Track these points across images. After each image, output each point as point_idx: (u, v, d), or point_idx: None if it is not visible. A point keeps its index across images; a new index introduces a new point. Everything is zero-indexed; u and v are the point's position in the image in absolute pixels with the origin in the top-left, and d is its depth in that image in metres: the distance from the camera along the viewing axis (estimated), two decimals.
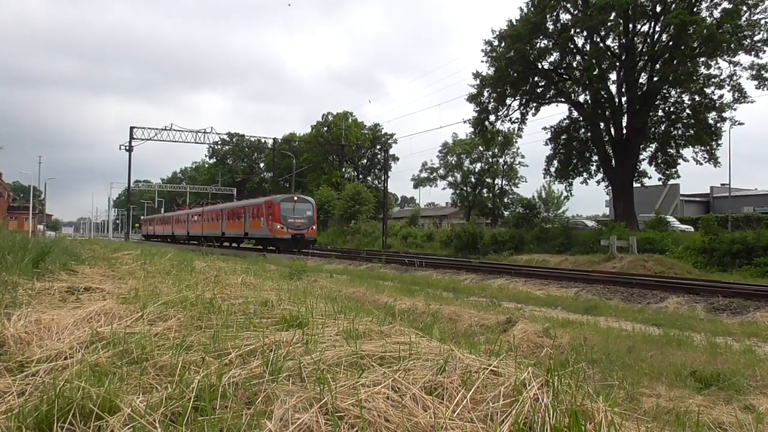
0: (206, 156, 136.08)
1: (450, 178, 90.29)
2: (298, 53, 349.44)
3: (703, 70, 39.76)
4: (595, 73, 42.26)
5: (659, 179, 44.78)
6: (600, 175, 46.05)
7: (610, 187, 45.68)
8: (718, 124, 40.45)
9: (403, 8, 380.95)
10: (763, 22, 37.03)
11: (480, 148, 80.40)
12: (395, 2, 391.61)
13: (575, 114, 46.87)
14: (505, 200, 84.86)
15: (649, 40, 41.20)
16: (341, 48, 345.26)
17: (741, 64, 38.39)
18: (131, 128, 55.30)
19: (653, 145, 44.01)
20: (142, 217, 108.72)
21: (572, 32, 43.19)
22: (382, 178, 77.93)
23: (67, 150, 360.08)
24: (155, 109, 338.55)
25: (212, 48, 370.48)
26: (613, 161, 43.40)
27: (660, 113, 43.15)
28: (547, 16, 43.77)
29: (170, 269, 11.08)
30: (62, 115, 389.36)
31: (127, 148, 55.46)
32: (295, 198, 45.03)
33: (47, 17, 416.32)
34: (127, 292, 6.86)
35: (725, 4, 37.92)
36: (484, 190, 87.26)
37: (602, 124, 43.83)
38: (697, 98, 40.52)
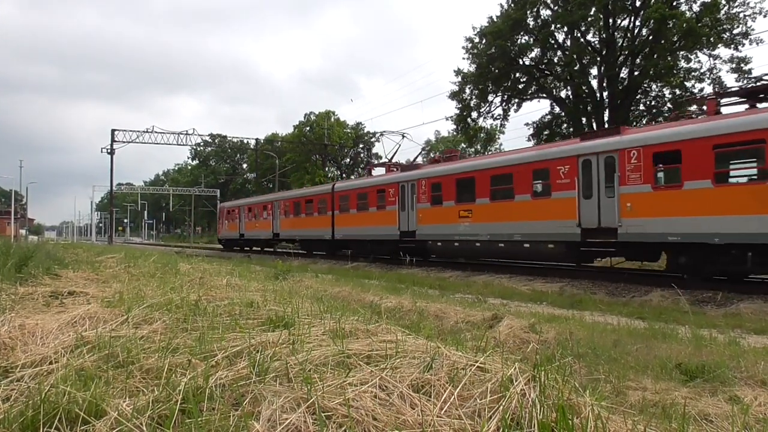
0: (189, 158, 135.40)
1: None
2: (271, 56, 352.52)
3: (683, 63, 40.14)
4: (576, 68, 42.49)
5: None
6: None
7: None
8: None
9: (371, 12, 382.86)
10: (741, 15, 37.42)
11: (463, 144, 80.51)
12: (362, 7, 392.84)
13: (557, 109, 47.17)
14: None
15: (629, 34, 41.48)
16: (313, 51, 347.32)
17: (721, 58, 38.89)
18: (112, 131, 55.12)
19: None
20: (222, 206, 60.27)
21: (553, 28, 43.45)
22: None
23: (47, 154, 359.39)
24: (133, 112, 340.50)
25: (185, 52, 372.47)
26: None
27: (641, 107, 43.49)
28: (528, 12, 43.97)
29: (154, 272, 11.03)
30: (41, 119, 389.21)
31: (109, 150, 55.14)
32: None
33: (19, 24, 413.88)
34: (111, 296, 6.82)
35: None
36: None
37: (584, 119, 44.08)
38: (677, 92, 40.81)
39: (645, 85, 41.80)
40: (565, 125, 47.01)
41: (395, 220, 29.66)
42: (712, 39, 37.69)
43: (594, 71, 44.11)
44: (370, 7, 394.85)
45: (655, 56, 38.98)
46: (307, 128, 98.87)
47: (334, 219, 35.17)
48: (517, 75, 46.86)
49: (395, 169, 33.19)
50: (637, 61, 40.87)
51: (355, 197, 33.57)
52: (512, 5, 44.62)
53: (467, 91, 47.85)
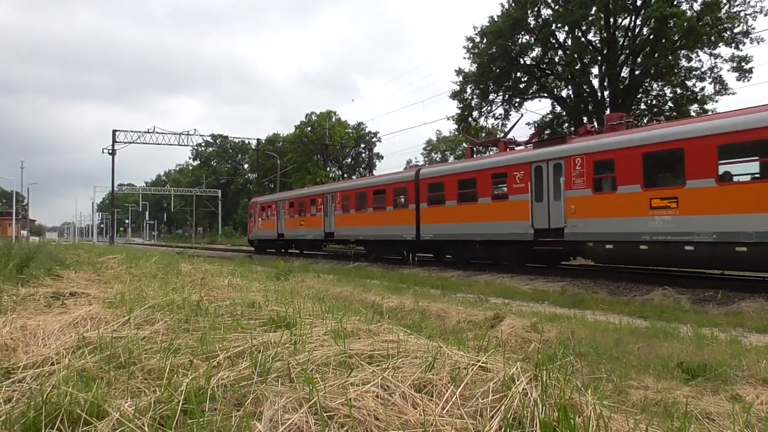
0: (190, 158, 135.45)
1: None
2: (270, 57, 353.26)
3: (684, 62, 40.08)
4: (577, 67, 42.49)
5: None
6: None
7: None
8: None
9: (369, 13, 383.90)
10: (742, 14, 37.38)
11: (464, 144, 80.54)
12: (360, 8, 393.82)
13: (558, 109, 47.13)
14: None
15: (630, 33, 41.48)
16: (312, 51, 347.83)
17: (722, 57, 38.82)
18: (114, 131, 55.17)
19: None
20: (255, 202, 50.90)
21: (554, 27, 43.44)
22: None
23: (48, 155, 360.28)
24: (133, 113, 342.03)
25: (185, 52, 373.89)
26: None
27: (642, 106, 43.43)
28: (529, 11, 43.95)
29: (156, 272, 11.03)
30: (42, 120, 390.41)
31: (110, 151, 55.18)
32: None
33: (19, 25, 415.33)
34: (113, 297, 6.82)
35: None
36: None
37: (585, 119, 44.02)
38: (678, 91, 40.79)
39: (646, 84, 41.78)
40: (566, 124, 46.99)
41: (526, 213, 21.75)
42: (712, 38, 37.69)
43: (595, 70, 44.15)
44: (367, 7, 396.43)
45: (656, 55, 38.96)
46: (309, 128, 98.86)
47: (420, 214, 27.97)
48: (518, 74, 46.89)
49: (512, 148, 26.57)
50: (638, 60, 40.88)
51: (454, 185, 25.94)
52: (513, 5, 44.61)
53: (468, 90, 47.90)
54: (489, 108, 48.33)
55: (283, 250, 43.97)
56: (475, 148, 32.46)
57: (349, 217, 34.20)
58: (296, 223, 40.56)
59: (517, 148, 26.28)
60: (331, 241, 37.66)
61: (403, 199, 29.84)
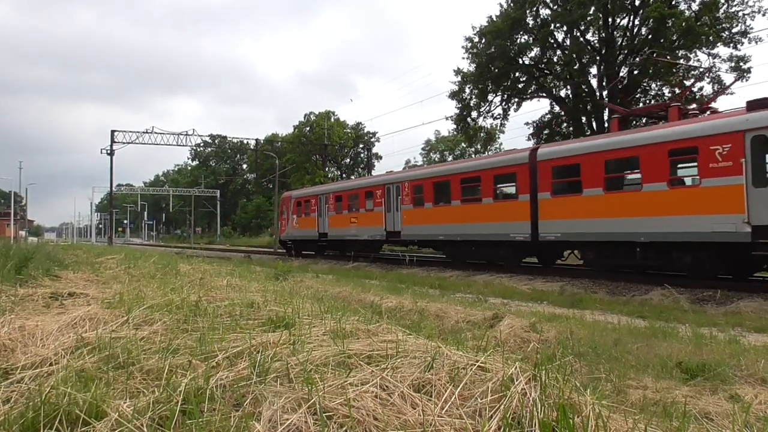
0: (188, 158, 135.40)
1: None
2: (269, 58, 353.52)
3: (682, 62, 40.05)
4: (575, 67, 42.49)
5: None
6: None
7: None
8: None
9: (367, 13, 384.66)
10: (740, 14, 37.43)
11: (463, 144, 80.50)
12: (358, 8, 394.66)
13: (557, 108, 47.15)
14: None
15: (628, 33, 41.51)
16: (311, 52, 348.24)
17: (720, 56, 38.85)
18: (112, 132, 55.05)
19: None
20: (288, 196, 44.98)
21: (552, 27, 43.44)
22: None
23: (47, 155, 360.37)
24: (132, 113, 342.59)
25: (184, 53, 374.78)
26: None
27: (641, 106, 43.40)
28: (527, 11, 43.94)
29: (155, 273, 11.02)
30: (40, 120, 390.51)
31: (109, 151, 55.14)
32: None
33: (17, 26, 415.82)
34: (111, 297, 6.82)
35: None
36: None
37: (584, 119, 44.06)
38: (677, 91, 40.79)
39: (644, 84, 41.81)
40: (565, 124, 47.02)
41: (741, 205, 15.56)
42: (711, 38, 37.69)
43: (593, 70, 44.13)
44: (365, 8, 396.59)
45: (655, 55, 38.98)
46: (307, 128, 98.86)
47: (539, 207, 21.61)
48: (517, 74, 46.86)
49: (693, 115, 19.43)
50: (637, 59, 40.89)
51: (598, 166, 19.62)
52: (512, 5, 44.59)
53: (467, 90, 47.85)
54: (488, 108, 48.32)
55: (326, 253, 38.70)
56: (630, 119, 26.63)
57: (423, 213, 27.65)
58: (344, 220, 34.60)
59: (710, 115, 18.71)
60: (395, 242, 32.19)
61: (509, 189, 24.02)
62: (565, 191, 20.95)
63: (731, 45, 37.97)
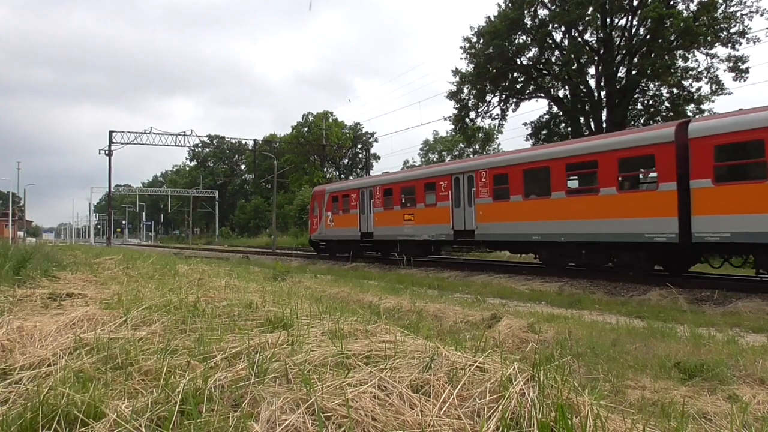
0: (187, 159, 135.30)
1: None
2: (266, 58, 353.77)
3: (680, 62, 40.13)
4: (573, 67, 42.50)
5: None
6: None
7: None
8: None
9: (363, 14, 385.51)
10: (738, 14, 37.44)
11: (461, 144, 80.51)
12: (355, 9, 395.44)
13: (555, 109, 47.22)
14: None
15: (626, 34, 41.55)
16: (308, 53, 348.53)
17: (718, 57, 38.87)
18: (110, 132, 55.07)
19: None
20: (321, 190, 38.43)
21: (550, 27, 43.43)
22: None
23: (45, 156, 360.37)
24: (130, 114, 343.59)
25: (181, 54, 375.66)
26: None
27: (639, 106, 43.56)
28: (525, 11, 43.93)
29: (153, 273, 11.02)
30: (38, 122, 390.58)
31: (107, 152, 55.12)
32: None
33: (14, 27, 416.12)
34: (110, 298, 6.82)
35: None
36: None
37: (582, 119, 44.10)
38: (675, 91, 40.86)
39: (643, 84, 41.85)
40: (563, 125, 47.06)
41: None
42: (709, 38, 37.70)
43: (592, 70, 44.13)
44: (362, 9, 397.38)
45: (653, 55, 39.02)
46: (305, 129, 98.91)
47: (693, 198, 16.50)
48: (515, 74, 46.88)
49: None
50: (635, 60, 40.92)
51: None
52: (510, 5, 44.58)
53: (465, 91, 47.84)
54: (486, 108, 48.32)
55: (372, 253, 34.15)
56: None
57: (509, 207, 22.84)
58: (396, 217, 29.48)
59: None
60: (466, 243, 26.85)
61: (642, 175, 19.49)
62: (738, 177, 15.87)
63: (729, 45, 38.01)
